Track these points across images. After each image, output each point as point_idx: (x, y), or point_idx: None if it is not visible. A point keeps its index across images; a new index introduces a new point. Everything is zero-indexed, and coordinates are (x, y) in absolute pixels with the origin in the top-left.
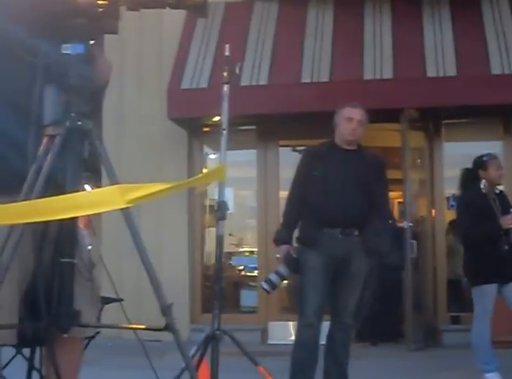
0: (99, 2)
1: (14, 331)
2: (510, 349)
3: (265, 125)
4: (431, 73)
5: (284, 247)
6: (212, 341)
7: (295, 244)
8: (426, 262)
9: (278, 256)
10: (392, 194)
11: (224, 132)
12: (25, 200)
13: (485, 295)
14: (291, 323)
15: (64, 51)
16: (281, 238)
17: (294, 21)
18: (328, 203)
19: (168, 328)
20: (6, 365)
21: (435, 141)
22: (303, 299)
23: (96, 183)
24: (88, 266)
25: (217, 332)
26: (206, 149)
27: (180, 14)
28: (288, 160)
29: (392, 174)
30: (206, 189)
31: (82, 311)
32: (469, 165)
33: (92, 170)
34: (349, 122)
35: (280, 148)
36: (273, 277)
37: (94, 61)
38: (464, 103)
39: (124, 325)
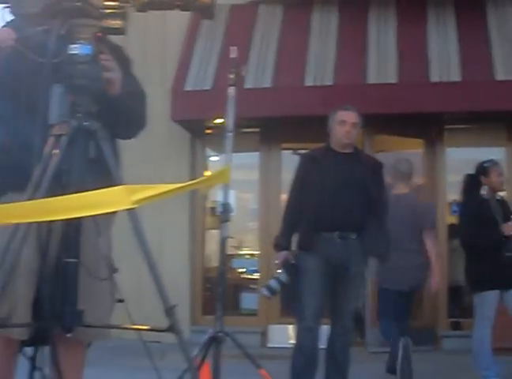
0: (108, 3)
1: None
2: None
3: (268, 128)
4: (434, 77)
5: (283, 253)
6: (214, 343)
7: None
8: None
9: (277, 262)
10: None
11: (230, 134)
12: (30, 199)
13: (486, 302)
14: (290, 326)
15: (71, 52)
16: (280, 244)
17: (298, 24)
18: (325, 207)
19: (172, 329)
20: None
21: (438, 147)
22: (302, 303)
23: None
24: (108, 265)
25: (219, 334)
26: (208, 151)
27: (184, 16)
28: (291, 163)
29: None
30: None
31: (96, 312)
32: (472, 171)
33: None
34: (342, 125)
35: (283, 152)
36: (273, 283)
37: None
38: (468, 108)
39: (127, 326)
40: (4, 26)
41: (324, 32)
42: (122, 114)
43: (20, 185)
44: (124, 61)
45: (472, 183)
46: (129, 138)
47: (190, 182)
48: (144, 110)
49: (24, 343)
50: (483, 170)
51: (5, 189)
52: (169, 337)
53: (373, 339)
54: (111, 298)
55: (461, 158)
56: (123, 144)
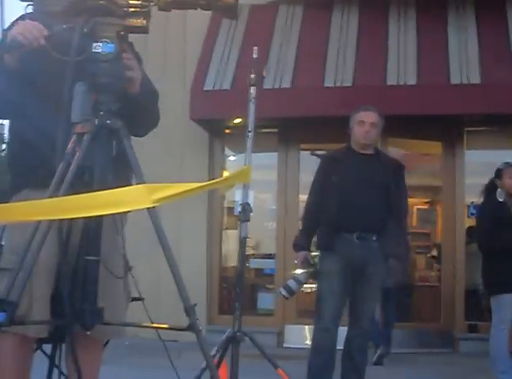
0: (131, 2)
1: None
2: None
3: (286, 129)
4: (454, 79)
5: (302, 253)
6: (232, 342)
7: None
8: (445, 270)
9: (296, 262)
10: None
11: (250, 134)
12: (52, 196)
13: (503, 305)
14: (307, 326)
15: (94, 50)
16: (299, 244)
17: (318, 25)
18: (344, 208)
19: (191, 328)
20: None
21: (457, 149)
22: (320, 304)
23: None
24: (125, 263)
25: (238, 334)
26: (227, 151)
27: (205, 15)
28: (309, 164)
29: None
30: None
31: (112, 309)
32: (491, 173)
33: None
34: (361, 126)
35: (301, 152)
36: (291, 283)
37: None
38: (488, 111)
39: (146, 324)
40: (20, 18)
41: (344, 33)
42: (139, 113)
43: (37, 183)
44: (137, 59)
45: (490, 186)
46: (141, 136)
47: (211, 182)
48: (158, 108)
49: (43, 341)
50: (497, 172)
51: (20, 186)
52: (186, 336)
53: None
54: (125, 295)
55: (480, 160)
56: (142, 144)
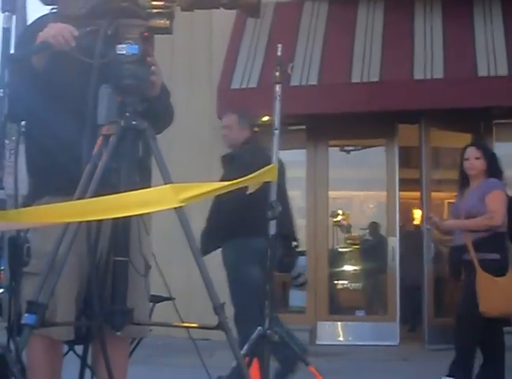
0: (154, 3)
1: (71, 327)
2: None
3: (314, 125)
4: (481, 72)
5: None
6: (263, 340)
7: None
8: None
9: None
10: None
11: (276, 132)
12: (80, 198)
13: None
14: (339, 323)
15: (119, 52)
16: None
17: (344, 21)
18: None
19: (221, 326)
20: None
21: (486, 141)
22: None
23: (146, 182)
24: (145, 263)
25: (268, 332)
26: None
27: (230, 14)
28: (338, 160)
29: (444, 174)
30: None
31: (137, 309)
32: None
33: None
34: None
35: (330, 148)
36: None
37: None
38: None
39: (176, 323)
40: (44, 17)
41: (370, 28)
42: (158, 113)
43: (58, 189)
44: None
45: None
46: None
47: (238, 180)
48: (172, 106)
49: (74, 342)
50: None
51: (42, 192)
52: (218, 335)
53: (432, 337)
54: (147, 295)
55: (509, 152)
56: (170, 143)
